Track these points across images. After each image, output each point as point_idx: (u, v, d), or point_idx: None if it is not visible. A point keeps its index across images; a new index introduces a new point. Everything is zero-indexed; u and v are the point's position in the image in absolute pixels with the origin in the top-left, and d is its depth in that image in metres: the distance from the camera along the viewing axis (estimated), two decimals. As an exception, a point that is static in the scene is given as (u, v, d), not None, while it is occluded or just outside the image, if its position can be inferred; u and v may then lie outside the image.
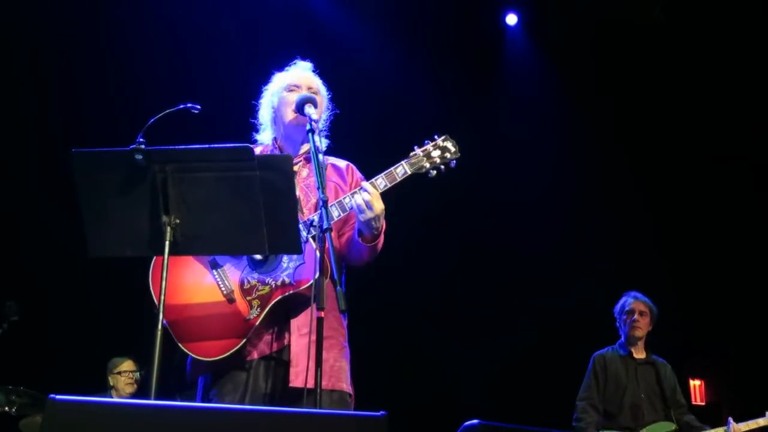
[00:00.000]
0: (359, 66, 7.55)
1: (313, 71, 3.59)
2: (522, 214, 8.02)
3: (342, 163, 3.54)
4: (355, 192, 3.19)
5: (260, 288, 3.14)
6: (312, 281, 3.06)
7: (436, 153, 3.30)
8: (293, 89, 3.46)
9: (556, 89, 8.29)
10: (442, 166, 3.30)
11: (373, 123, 7.08)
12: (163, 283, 2.72)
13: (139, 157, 2.71)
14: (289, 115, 3.41)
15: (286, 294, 3.12)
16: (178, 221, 2.77)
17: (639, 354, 5.89)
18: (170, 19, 6.86)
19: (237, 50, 6.83)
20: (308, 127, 3.17)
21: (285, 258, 3.16)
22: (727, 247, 8.19)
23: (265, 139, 3.55)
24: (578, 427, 5.68)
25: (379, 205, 3.17)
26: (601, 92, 8.15)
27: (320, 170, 3.00)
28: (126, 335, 6.27)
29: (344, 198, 3.22)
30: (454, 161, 3.32)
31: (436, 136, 3.33)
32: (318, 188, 2.98)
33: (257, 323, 3.09)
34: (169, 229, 2.75)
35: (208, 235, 2.85)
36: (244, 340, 3.08)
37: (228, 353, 3.07)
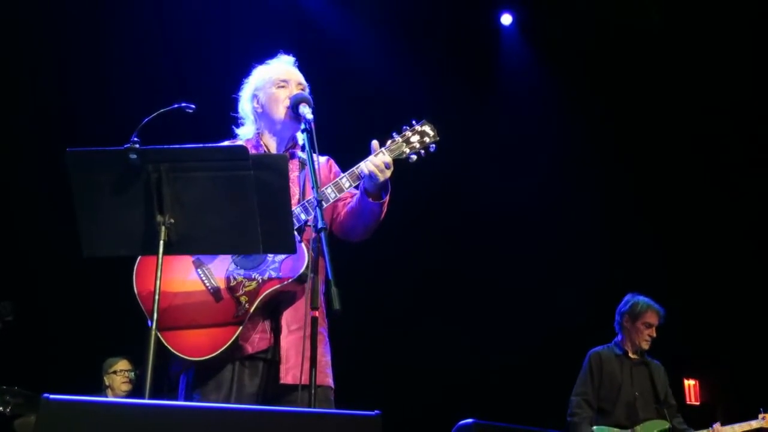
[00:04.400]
0: (353, 65, 7.55)
1: (295, 65, 3.54)
2: (518, 215, 8.03)
3: (322, 158, 3.51)
4: (366, 160, 3.20)
5: (247, 284, 3.13)
6: (298, 275, 3.08)
7: (415, 138, 3.28)
8: (282, 85, 3.42)
9: (551, 90, 8.30)
10: (422, 151, 3.28)
11: (365, 122, 7.05)
12: (158, 282, 2.72)
13: (133, 156, 2.71)
14: (281, 111, 3.39)
15: (274, 288, 3.11)
16: (172, 221, 2.77)
17: (634, 354, 5.91)
18: (165, 19, 6.86)
19: (229, 47, 6.82)
20: (303, 126, 3.17)
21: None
22: (723, 247, 8.20)
23: (246, 133, 3.51)
24: (572, 422, 5.69)
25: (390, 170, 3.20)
26: (596, 93, 8.15)
27: (315, 170, 3.00)
28: (121, 335, 6.25)
29: (342, 179, 3.22)
30: (434, 145, 3.30)
31: (414, 122, 3.31)
32: (313, 188, 2.99)
33: (246, 319, 3.08)
34: (163, 228, 2.75)
35: (202, 235, 2.84)
36: (234, 337, 3.06)
37: (218, 351, 3.05)
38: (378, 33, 7.68)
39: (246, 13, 7.12)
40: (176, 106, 3.16)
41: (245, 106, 3.53)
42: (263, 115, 3.47)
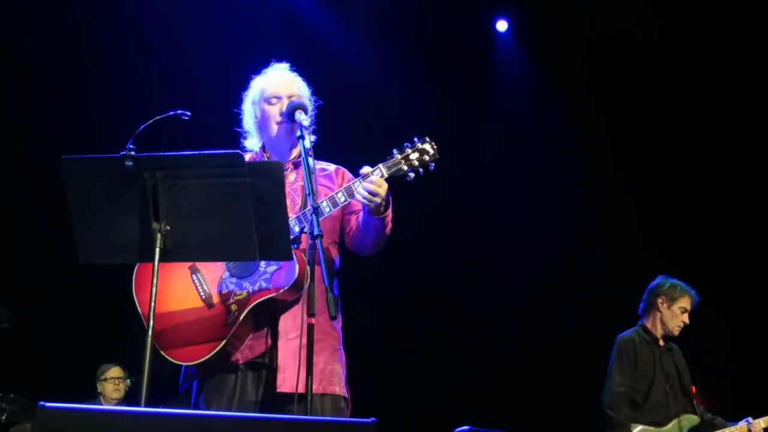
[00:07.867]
0: (347, 71, 7.55)
1: (292, 70, 3.54)
2: (514, 222, 8.02)
3: (331, 167, 3.51)
4: (357, 183, 3.16)
5: (238, 293, 3.15)
6: (289, 286, 3.09)
7: (414, 155, 3.23)
8: (274, 102, 3.41)
9: (547, 96, 8.30)
10: (421, 169, 3.23)
11: (361, 129, 7.08)
12: (154, 289, 2.72)
13: (129, 163, 2.71)
14: (274, 128, 3.40)
15: (263, 299, 3.12)
16: (168, 228, 2.77)
17: (662, 340, 5.57)
18: (161, 27, 6.86)
19: (226, 55, 6.83)
20: (298, 133, 3.16)
21: (263, 263, 3.15)
22: (721, 255, 8.19)
23: (253, 145, 3.53)
24: (616, 420, 5.24)
25: (383, 189, 3.14)
26: (592, 99, 8.16)
27: (310, 176, 3.00)
28: (117, 343, 6.25)
29: (338, 193, 3.21)
30: (433, 163, 3.25)
31: (415, 139, 3.27)
32: (309, 195, 2.98)
33: (234, 328, 3.09)
34: (159, 235, 2.75)
35: (198, 242, 2.84)
36: (221, 345, 3.08)
37: (205, 358, 3.09)
38: (373, 40, 7.68)
39: (243, 21, 7.11)
40: (172, 113, 3.17)
41: (247, 120, 3.54)
42: (262, 130, 3.48)
